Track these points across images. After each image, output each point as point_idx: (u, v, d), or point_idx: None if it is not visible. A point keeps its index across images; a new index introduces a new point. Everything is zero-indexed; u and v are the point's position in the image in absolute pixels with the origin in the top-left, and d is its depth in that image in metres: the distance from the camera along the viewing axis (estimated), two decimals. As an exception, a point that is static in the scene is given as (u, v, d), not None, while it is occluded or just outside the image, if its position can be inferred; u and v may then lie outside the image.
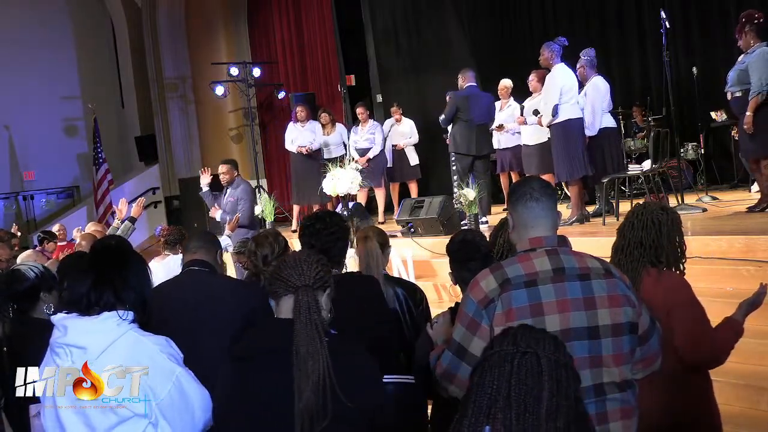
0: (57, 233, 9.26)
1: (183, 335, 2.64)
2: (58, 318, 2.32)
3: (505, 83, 9.52)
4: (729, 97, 6.76)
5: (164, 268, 5.18)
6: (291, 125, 10.32)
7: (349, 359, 2.17)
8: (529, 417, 1.53)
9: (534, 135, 8.29)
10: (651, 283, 2.80)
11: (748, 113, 6.36)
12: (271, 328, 2.26)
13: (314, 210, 10.50)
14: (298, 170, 10.17)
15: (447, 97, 8.98)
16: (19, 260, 5.25)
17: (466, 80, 8.51)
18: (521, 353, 1.60)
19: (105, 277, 2.31)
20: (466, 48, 11.58)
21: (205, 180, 7.80)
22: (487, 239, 3.12)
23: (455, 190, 8.40)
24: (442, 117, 8.68)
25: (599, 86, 7.50)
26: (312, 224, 3.15)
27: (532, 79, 8.32)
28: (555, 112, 7.17)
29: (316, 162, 10.13)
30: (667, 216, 2.89)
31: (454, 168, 8.65)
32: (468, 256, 2.94)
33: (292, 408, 2.08)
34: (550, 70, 7.40)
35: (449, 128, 8.66)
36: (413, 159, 9.97)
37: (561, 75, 7.25)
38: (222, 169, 7.72)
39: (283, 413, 2.09)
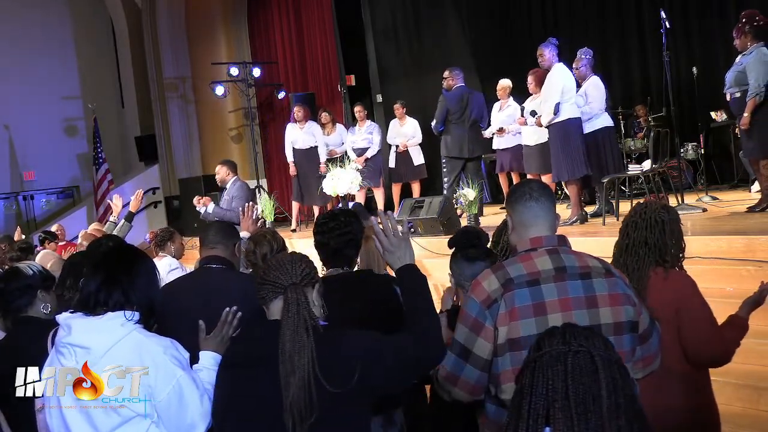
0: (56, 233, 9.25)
1: (191, 334, 2.65)
2: (62, 317, 2.31)
3: (504, 83, 9.43)
4: (728, 98, 6.77)
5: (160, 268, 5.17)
6: (290, 126, 10.26)
7: (331, 344, 2.11)
8: (592, 416, 1.50)
9: (534, 135, 8.27)
10: (659, 282, 2.81)
11: (745, 114, 6.37)
12: (261, 332, 2.21)
13: (314, 211, 10.51)
14: (302, 170, 10.11)
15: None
16: (37, 260, 5.27)
17: (455, 80, 8.41)
18: (573, 352, 1.56)
19: (114, 277, 2.32)
20: (466, 48, 11.59)
21: (203, 207, 7.63)
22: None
23: (445, 192, 8.35)
24: (434, 122, 8.59)
25: (599, 84, 7.54)
26: (326, 222, 3.11)
27: (531, 82, 8.30)
28: (557, 110, 7.16)
29: (316, 164, 10.07)
30: (668, 215, 2.91)
31: (444, 171, 8.57)
32: (470, 243, 2.93)
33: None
34: (548, 70, 7.41)
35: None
36: (418, 159, 9.88)
37: (561, 74, 7.26)
38: (216, 169, 8.03)
39: (277, 418, 2.06)
